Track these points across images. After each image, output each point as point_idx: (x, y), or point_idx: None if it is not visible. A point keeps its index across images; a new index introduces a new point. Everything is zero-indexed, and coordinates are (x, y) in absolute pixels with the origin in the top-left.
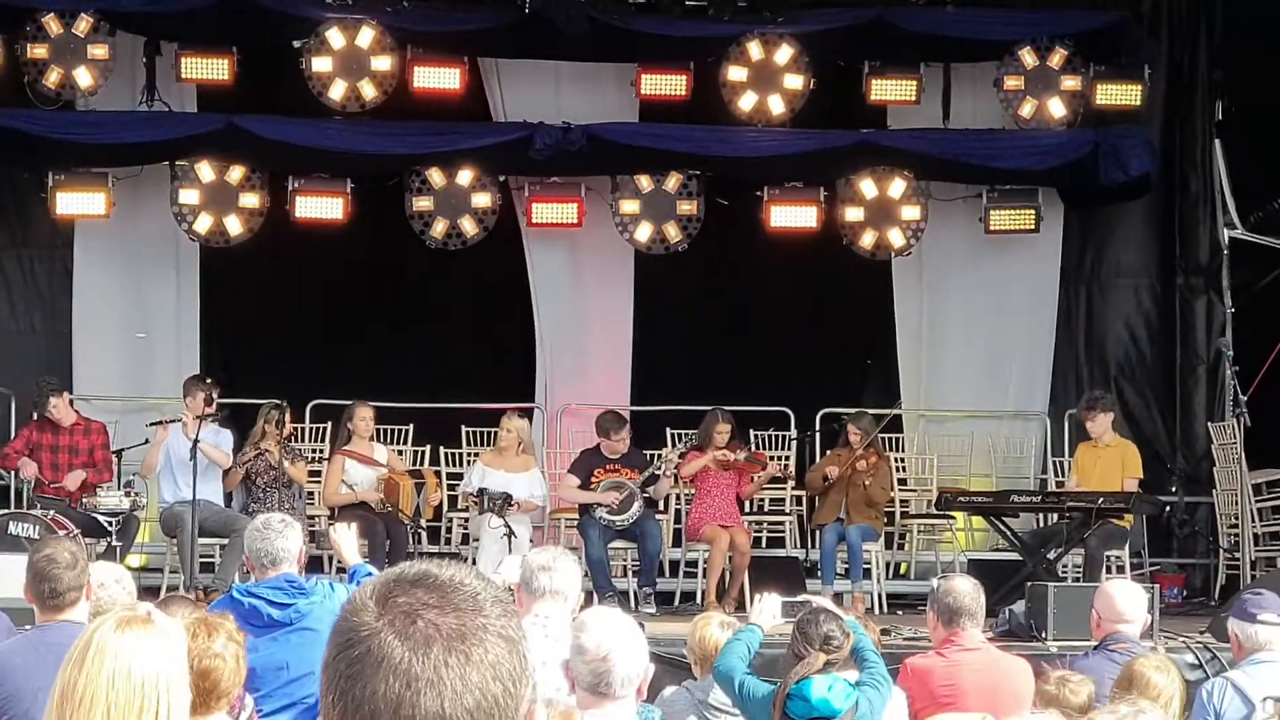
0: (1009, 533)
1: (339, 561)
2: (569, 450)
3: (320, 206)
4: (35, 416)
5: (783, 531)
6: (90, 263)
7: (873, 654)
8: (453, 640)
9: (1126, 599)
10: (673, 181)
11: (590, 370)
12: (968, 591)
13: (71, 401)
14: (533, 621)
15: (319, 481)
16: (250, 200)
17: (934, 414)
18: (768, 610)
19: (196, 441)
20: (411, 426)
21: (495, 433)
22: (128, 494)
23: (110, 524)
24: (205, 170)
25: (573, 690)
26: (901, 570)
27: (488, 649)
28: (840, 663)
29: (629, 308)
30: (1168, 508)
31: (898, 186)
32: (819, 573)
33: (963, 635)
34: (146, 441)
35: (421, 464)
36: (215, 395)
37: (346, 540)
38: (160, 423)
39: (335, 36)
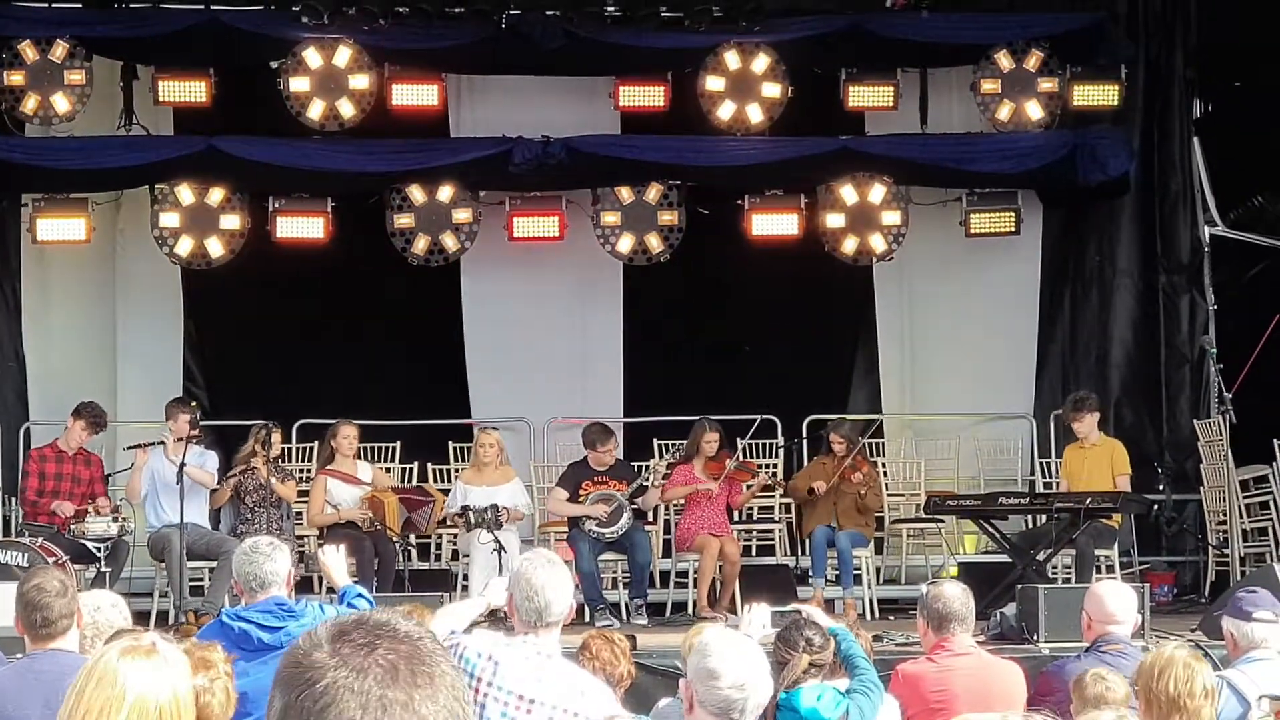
0: (998, 535)
1: (328, 583)
2: (556, 464)
3: (301, 226)
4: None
5: (772, 540)
6: (67, 289)
7: (863, 661)
8: (414, 663)
9: (1116, 600)
10: (653, 192)
11: (580, 383)
12: (957, 597)
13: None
14: (524, 641)
15: (306, 502)
16: (231, 222)
17: (918, 418)
18: (757, 620)
19: (183, 465)
20: (399, 444)
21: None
22: (115, 519)
23: (99, 550)
24: (185, 193)
25: (690, 710)
26: (890, 576)
27: (444, 670)
28: (826, 666)
29: (619, 319)
30: (1156, 506)
31: (878, 192)
32: (809, 576)
33: (953, 640)
34: (132, 465)
35: (409, 481)
36: (198, 417)
37: (335, 562)
38: (138, 446)
39: (312, 56)
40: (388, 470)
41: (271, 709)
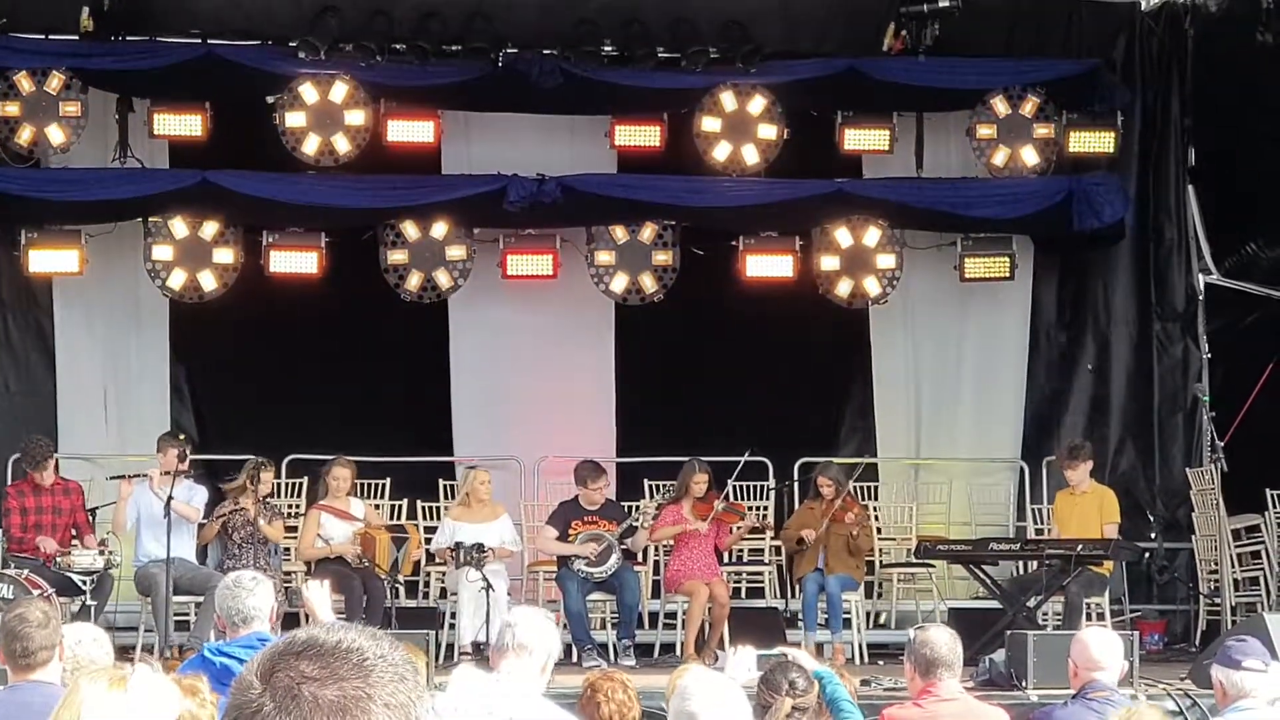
0: (989, 581)
1: (312, 619)
2: (546, 504)
3: (294, 261)
4: (26, 473)
5: (762, 582)
6: (68, 320)
7: (848, 704)
8: (334, 713)
9: (1102, 647)
10: (648, 232)
11: (572, 422)
12: (944, 642)
13: (57, 464)
14: (490, 679)
15: (295, 538)
16: (224, 255)
17: (911, 462)
18: (742, 663)
19: (170, 499)
20: (389, 480)
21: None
22: (102, 552)
23: (85, 583)
24: (179, 226)
25: None
26: (880, 620)
27: (371, 718)
28: (810, 709)
29: (610, 358)
30: (1147, 554)
31: (873, 235)
32: (800, 622)
33: (940, 686)
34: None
35: (399, 518)
36: (188, 451)
37: (319, 597)
38: (122, 478)
39: (308, 91)
40: (377, 507)
41: None
